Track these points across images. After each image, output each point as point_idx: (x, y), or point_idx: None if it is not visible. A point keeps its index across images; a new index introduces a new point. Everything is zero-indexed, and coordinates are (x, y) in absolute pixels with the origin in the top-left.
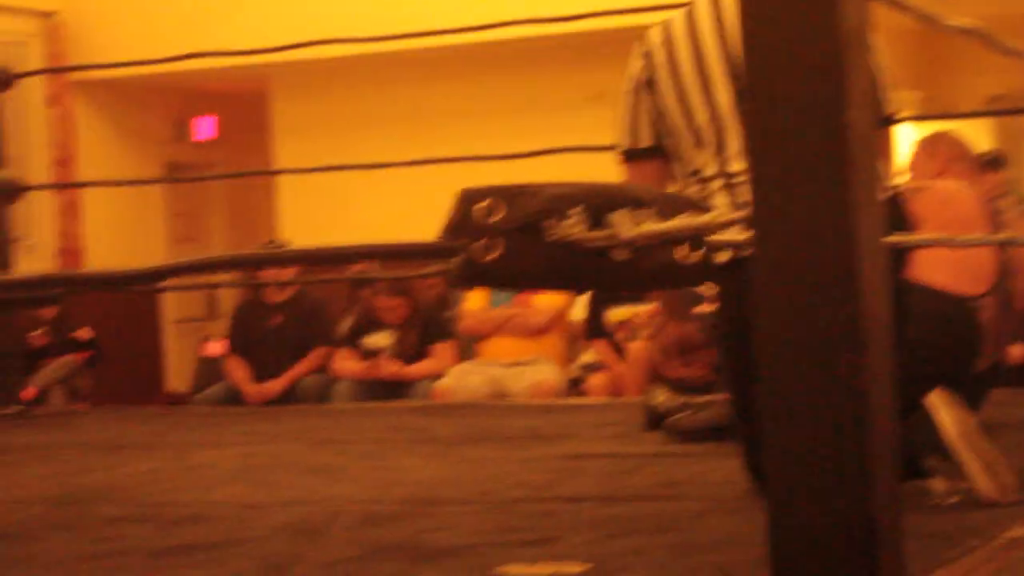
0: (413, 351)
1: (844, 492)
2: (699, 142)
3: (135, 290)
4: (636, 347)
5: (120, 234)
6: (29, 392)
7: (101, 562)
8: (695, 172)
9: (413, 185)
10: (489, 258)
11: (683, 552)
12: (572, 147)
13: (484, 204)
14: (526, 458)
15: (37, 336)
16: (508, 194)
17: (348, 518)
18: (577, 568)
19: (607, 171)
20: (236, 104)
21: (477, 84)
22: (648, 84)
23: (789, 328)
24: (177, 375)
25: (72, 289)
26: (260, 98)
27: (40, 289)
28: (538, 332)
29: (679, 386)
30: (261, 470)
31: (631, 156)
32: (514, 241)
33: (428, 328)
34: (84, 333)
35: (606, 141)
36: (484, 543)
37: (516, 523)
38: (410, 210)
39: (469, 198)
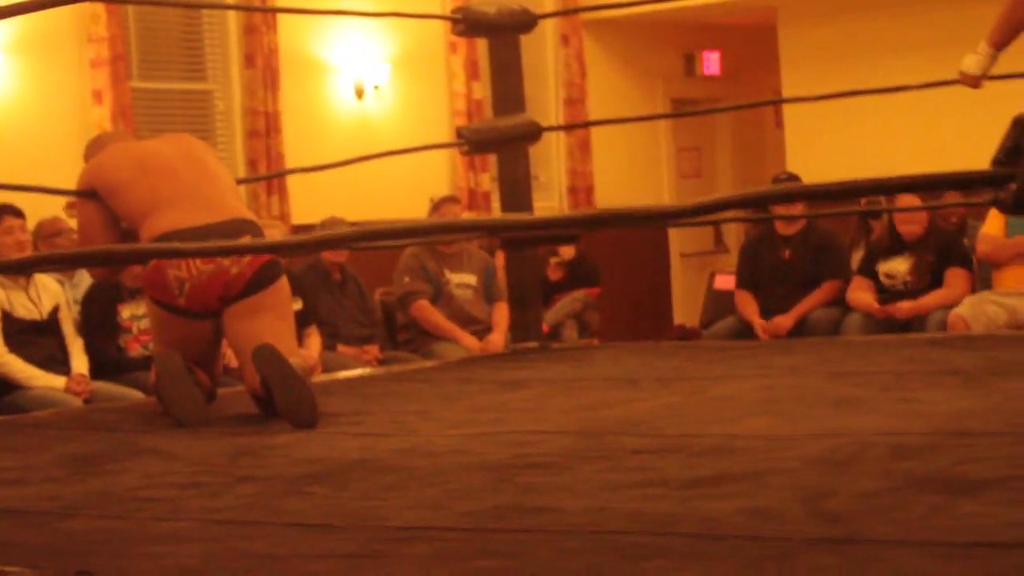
0: (928, 276)
1: None
2: None
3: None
4: None
5: (628, 170)
6: (544, 326)
7: (633, 491)
8: None
9: (927, 112)
10: None
11: None
12: None
13: None
14: None
15: (553, 270)
16: None
17: (878, 450)
18: None
19: None
20: (742, 37)
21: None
22: None
23: None
24: (684, 309)
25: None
26: (766, 30)
27: (566, 228)
28: None
29: None
30: (782, 402)
31: None
32: None
33: (944, 252)
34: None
35: None
36: None
37: None
38: (926, 138)
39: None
